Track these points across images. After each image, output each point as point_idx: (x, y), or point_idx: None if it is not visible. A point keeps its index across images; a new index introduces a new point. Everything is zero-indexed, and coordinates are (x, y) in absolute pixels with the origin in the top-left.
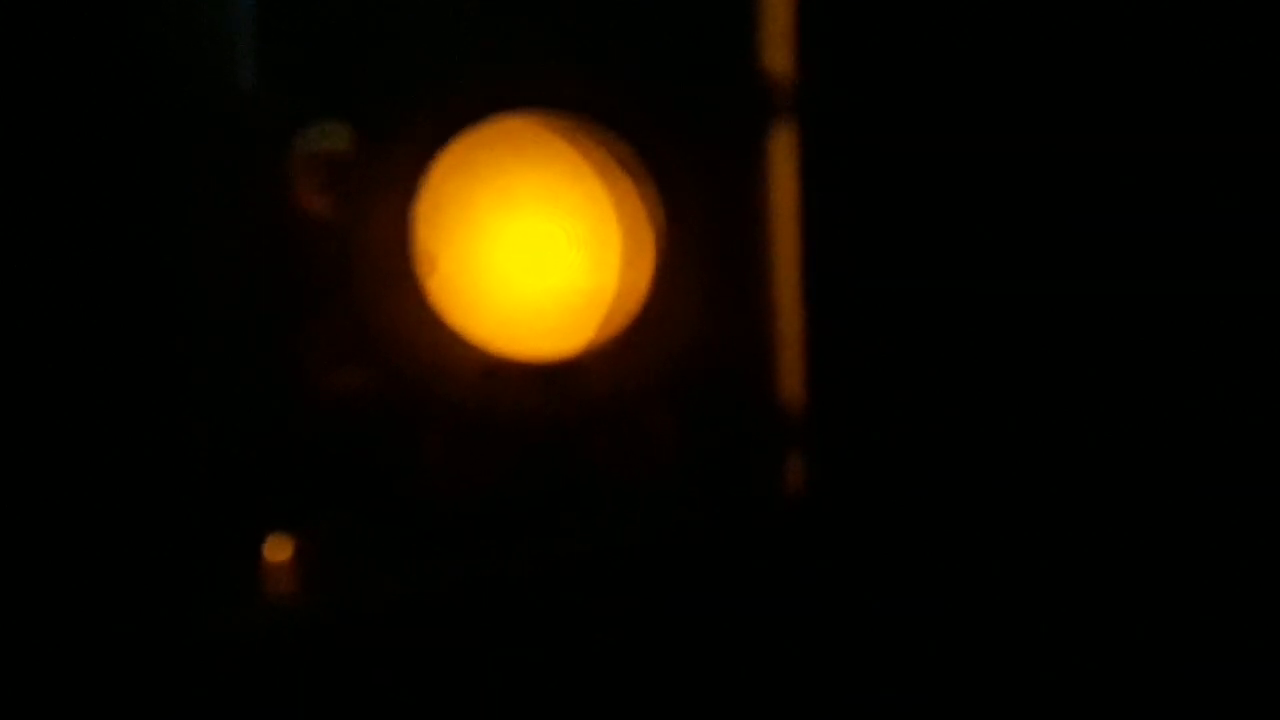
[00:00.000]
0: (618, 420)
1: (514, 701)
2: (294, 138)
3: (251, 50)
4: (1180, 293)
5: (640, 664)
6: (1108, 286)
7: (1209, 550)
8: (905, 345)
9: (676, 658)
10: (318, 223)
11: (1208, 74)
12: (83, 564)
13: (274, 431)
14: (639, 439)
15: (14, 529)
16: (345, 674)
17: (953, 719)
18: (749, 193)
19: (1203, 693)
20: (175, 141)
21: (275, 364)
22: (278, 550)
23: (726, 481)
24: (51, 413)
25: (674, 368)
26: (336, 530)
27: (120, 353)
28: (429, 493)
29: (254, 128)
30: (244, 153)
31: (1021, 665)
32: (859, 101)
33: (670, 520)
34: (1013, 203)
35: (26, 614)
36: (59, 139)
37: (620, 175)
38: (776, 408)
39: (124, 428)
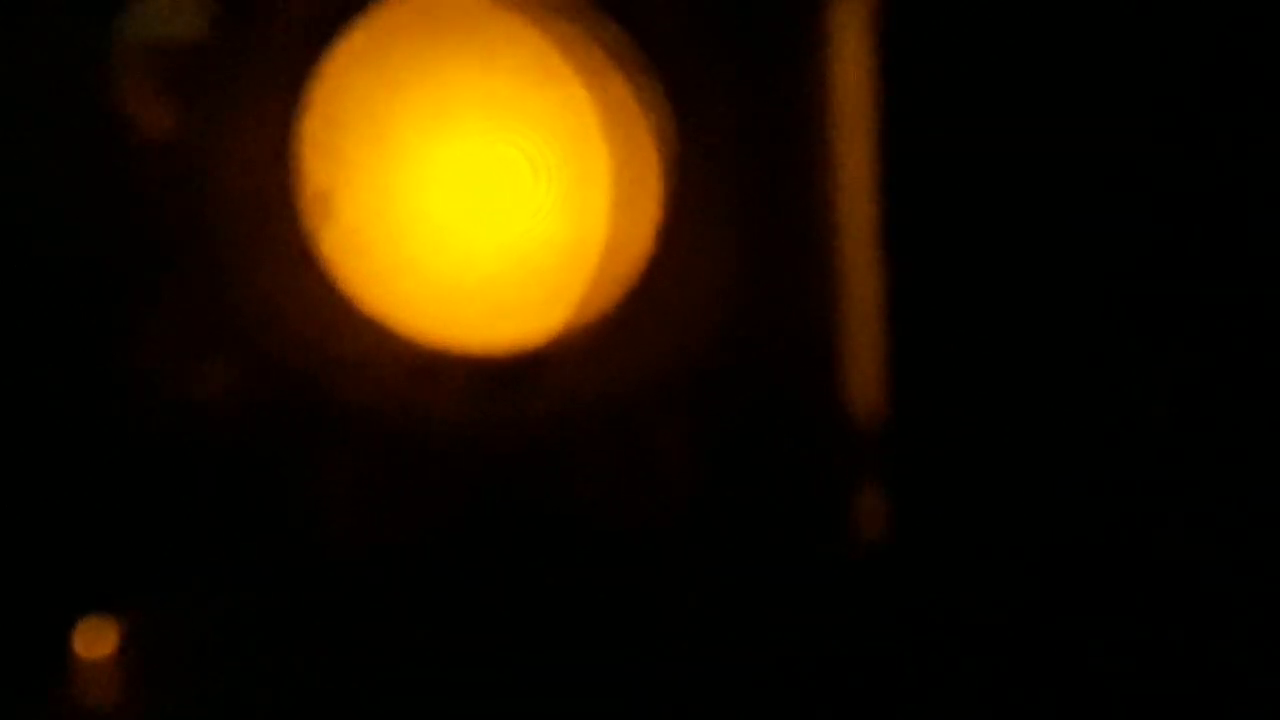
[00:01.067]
0: (606, 442)
1: None
2: (119, 19)
3: None
4: None
5: None
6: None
7: None
8: (1029, 331)
9: None
10: (156, 147)
11: None
12: None
13: (93, 460)
14: (639, 468)
15: None
16: None
17: None
18: (801, 101)
19: None
20: None
21: (97, 357)
22: (94, 641)
23: (771, 527)
24: None
25: (691, 366)
26: (182, 610)
27: None
28: (327, 548)
29: (61, 6)
30: (45, 41)
31: None
32: None
33: (690, 583)
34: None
35: None
36: None
37: (611, 74)
38: (844, 422)
39: None
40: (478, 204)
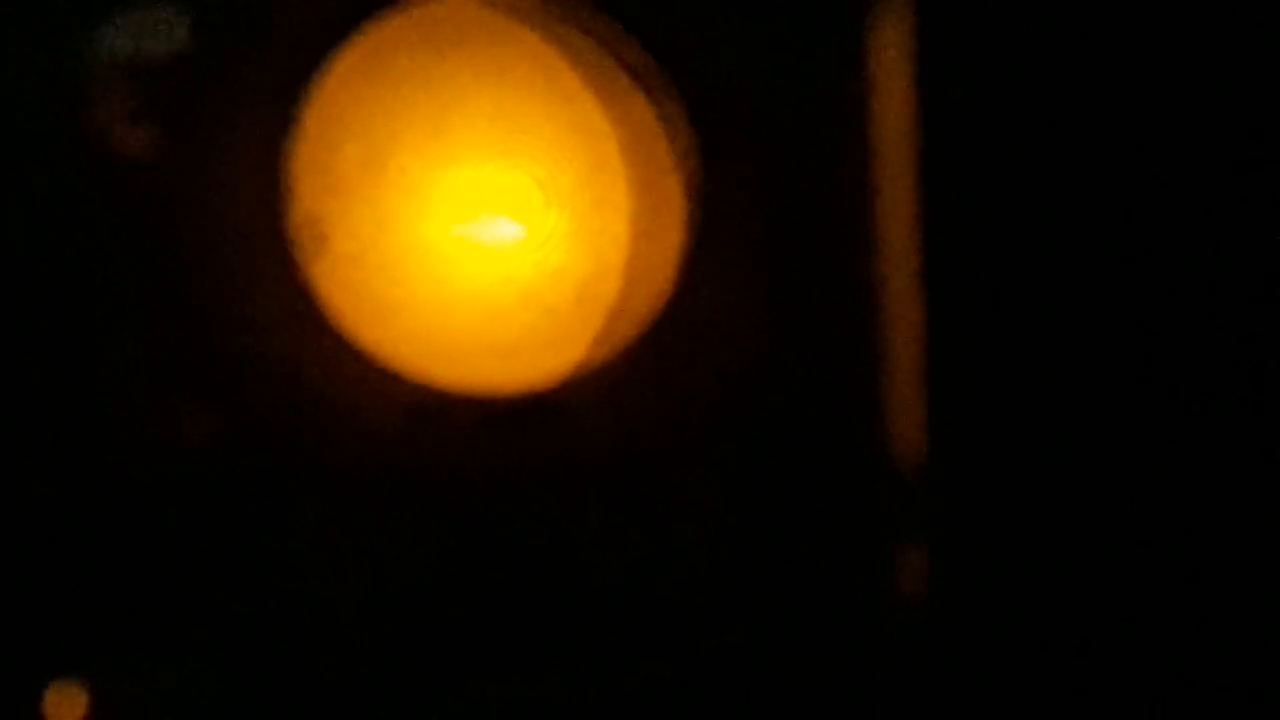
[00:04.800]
0: (624, 493)
1: None
2: (96, 34)
3: None
4: None
5: None
6: None
7: None
8: (1079, 371)
9: None
10: (135, 172)
11: None
12: None
13: (67, 519)
14: (660, 521)
15: None
16: None
17: None
18: (837, 122)
19: None
20: None
21: (69, 406)
22: (65, 705)
23: (803, 582)
24: None
25: (716, 410)
26: (157, 674)
27: None
28: (317, 610)
29: (34, 18)
30: (19, 60)
31: None
32: None
33: (713, 645)
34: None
35: None
36: None
37: (630, 93)
38: (883, 469)
39: None
40: (483, 233)
